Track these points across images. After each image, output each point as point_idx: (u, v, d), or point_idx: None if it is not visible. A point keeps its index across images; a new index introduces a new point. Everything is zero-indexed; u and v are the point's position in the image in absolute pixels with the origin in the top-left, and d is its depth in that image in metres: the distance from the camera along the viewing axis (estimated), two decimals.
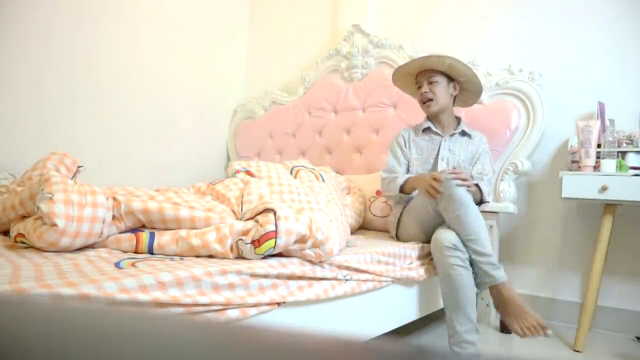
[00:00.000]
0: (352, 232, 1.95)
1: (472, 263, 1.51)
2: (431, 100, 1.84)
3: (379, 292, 1.38)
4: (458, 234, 1.52)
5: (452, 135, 1.89)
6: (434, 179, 1.59)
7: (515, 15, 2.33)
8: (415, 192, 1.81)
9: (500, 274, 1.48)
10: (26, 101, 2.17)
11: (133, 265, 0.92)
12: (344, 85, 2.73)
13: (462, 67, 1.83)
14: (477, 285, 1.51)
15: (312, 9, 3.05)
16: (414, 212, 1.74)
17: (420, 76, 1.87)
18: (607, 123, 1.91)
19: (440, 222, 1.63)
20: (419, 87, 1.87)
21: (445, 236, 1.53)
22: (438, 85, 1.84)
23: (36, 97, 2.21)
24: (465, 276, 1.48)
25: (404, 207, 1.83)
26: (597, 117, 1.90)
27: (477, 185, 1.78)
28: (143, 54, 2.65)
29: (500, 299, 1.47)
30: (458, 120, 1.94)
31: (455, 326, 1.47)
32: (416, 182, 1.75)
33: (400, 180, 1.80)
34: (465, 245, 1.51)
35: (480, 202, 1.80)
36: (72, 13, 2.32)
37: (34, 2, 2.18)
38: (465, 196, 1.53)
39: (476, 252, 1.49)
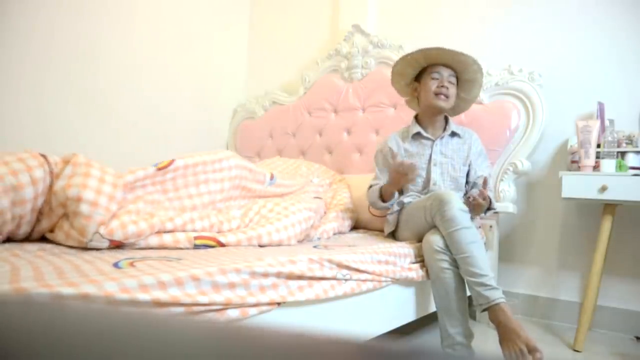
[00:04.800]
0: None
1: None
2: (448, 97, 1.78)
3: (379, 292, 1.38)
4: (450, 252, 1.48)
5: (441, 137, 1.85)
6: (397, 167, 1.62)
7: (515, 15, 2.33)
8: (407, 199, 1.80)
9: (494, 294, 1.38)
10: (27, 101, 2.17)
11: (132, 265, 0.92)
12: (344, 85, 2.73)
13: (478, 88, 1.86)
14: (475, 306, 1.45)
15: (312, 9, 3.05)
16: (409, 224, 1.72)
17: (443, 70, 1.79)
18: (607, 123, 1.91)
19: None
20: (438, 79, 1.78)
21: (434, 239, 1.51)
22: (454, 87, 1.80)
23: (37, 97, 2.21)
24: (454, 278, 1.47)
25: (399, 215, 1.81)
26: (597, 117, 1.91)
27: None
28: (143, 54, 2.65)
29: (496, 323, 1.37)
30: (445, 120, 1.90)
31: (448, 328, 1.46)
32: (390, 185, 1.74)
33: (378, 189, 1.79)
34: (457, 264, 1.47)
35: (487, 209, 1.78)
36: (73, 14, 2.32)
37: (36, 3, 2.18)
38: (458, 213, 1.47)
39: (467, 272, 1.43)
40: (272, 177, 1.82)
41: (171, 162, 1.41)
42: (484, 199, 1.58)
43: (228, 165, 1.56)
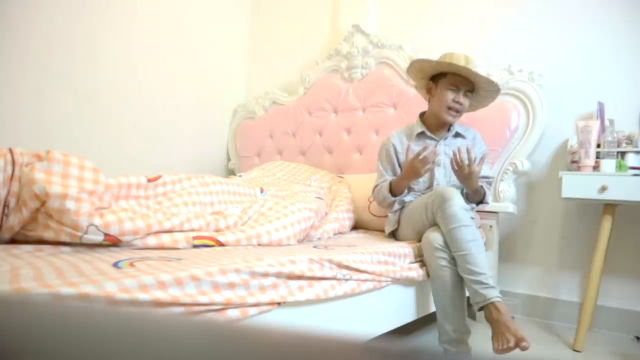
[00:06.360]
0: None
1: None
2: (459, 112, 1.79)
3: (379, 292, 1.38)
4: (450, 249, 1.48)
5: (445, 138, 1.85)
6: (417, 160, 1.63)
7: (515, 15, 2.33)
8: (409, 197, 1.81)
9: (490, 293, 1.39)
10: (27, 101, 2.17)
11: (132, 265, 0.92)
12: (344, 85, 2.73)
13: (490, 101, 1.86)
14: (472, 305, 1.45)
15: (312, 9, 3.05)
16: (410, 221, 1.72)
17: (462, 84, 1.76)
18: (607, 123, 1.91)
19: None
20: (455, 92, 1.76)
21: (434, 236, 1.51)
22: (467, 101, 1.79)
23: (37, 97, 2.20)
24: (453, 276, 1.47)
25: (400, 213, 1.81)
26: (597, 117, 1.91)
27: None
28: (143, 54, 2.65)
29: (490, 320, 1.38)
30: None
31: (445, 325, 1.48)
32: (404, 177, 1.73)
33: (387, 185, 1.79)
34: (456, 261, 1.47)
35: (480, 202, 1.80)
36: (73, 14, 2.32)
37: (36, 3, 2.18)
38: (459, 211, 1.47)
39: (465, 270, 1.43)
40: (262, 191, 1.82)
41: (159, 176, 1.45)
42: (469, 166, 1.61)
43: (212, 180, 1.59)
